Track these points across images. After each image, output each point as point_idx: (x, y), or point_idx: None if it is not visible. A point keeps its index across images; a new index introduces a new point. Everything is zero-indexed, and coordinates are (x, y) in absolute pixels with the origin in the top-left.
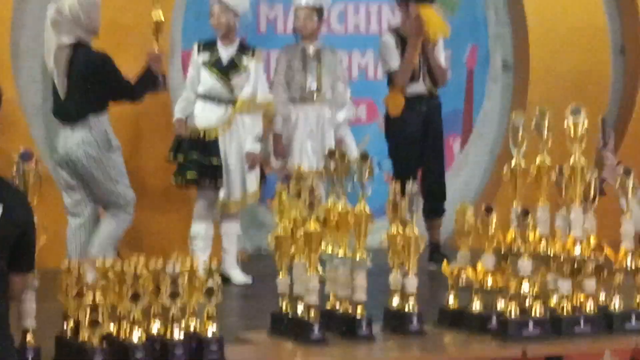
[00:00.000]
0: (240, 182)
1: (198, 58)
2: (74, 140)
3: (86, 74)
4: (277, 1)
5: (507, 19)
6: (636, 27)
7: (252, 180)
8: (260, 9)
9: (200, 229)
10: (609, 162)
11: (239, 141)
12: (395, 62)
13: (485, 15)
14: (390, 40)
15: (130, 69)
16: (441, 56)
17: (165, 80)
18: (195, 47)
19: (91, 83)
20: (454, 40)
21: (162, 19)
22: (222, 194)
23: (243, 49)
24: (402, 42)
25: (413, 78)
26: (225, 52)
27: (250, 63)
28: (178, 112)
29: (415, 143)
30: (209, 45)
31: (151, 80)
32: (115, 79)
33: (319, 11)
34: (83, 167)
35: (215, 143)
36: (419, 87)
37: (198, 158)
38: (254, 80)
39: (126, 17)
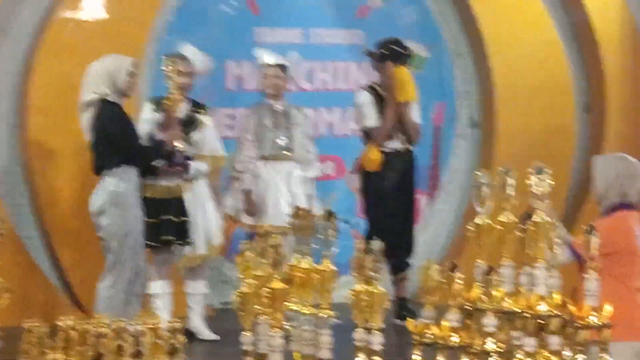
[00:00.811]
0: (204, 236)
1: (153, 116)
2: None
3: (99, 131)
4: (244, 58)
5: (473, 76)
6: (601, 85)
7: (217, 234)
8: (227, 66)
9: (159, 288)
10: None
11: (199, 195)
12: (371, 119)
13: (452, 73)
14: (366, 97)
15: None
16: (416, 113)
17: (181, 157)
18: (148, 106)
19: (102, 140)
20: (421, 97)
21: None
22: (187, 249)
23: (197, 105)
24: (379, 98)
25: (389, 135)
26: (182, 109)
27: (206, 119)
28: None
29: (392, 198)
30: (159, 103)
31: (163, 151)
32: (123, 142)
33: (286, 69)
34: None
35: (181, 200)
36: (395, 143)
37: (171, 218)
38: (213, 136)
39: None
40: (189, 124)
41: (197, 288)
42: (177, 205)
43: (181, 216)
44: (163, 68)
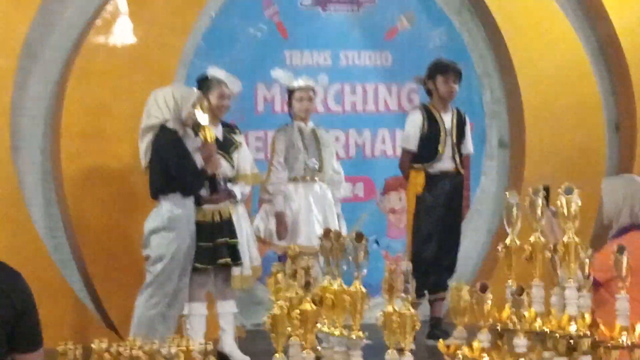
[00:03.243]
0: (249, 258)
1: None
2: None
3: (155, 156)
4: (274, 82)
5: (502, 97)
6: (630, 103)
7: (257, 255)
8: (257, 89)
9: (196, 309)
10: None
11: (240, 216)
12: (413, 143)
13: (481, 93)
14: (417, 118)
15: None
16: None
17: (225, 185)
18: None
19: (157, 165)
20: None
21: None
22: (236, 270)
23: (228, 127)
24: (430, 117)
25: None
26: (217, 132)
27: (241, 139)
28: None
29: (438, 219)
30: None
31: (205, 178)
32: (174, 169)
33: (314, 91)
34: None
35: (231, 222)
36: (445, 164)
37: (227, 240)
38: (248, 154)
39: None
40: (228, 146)
41: (228, 307)
42: (228, 227)
43: (234, 238)
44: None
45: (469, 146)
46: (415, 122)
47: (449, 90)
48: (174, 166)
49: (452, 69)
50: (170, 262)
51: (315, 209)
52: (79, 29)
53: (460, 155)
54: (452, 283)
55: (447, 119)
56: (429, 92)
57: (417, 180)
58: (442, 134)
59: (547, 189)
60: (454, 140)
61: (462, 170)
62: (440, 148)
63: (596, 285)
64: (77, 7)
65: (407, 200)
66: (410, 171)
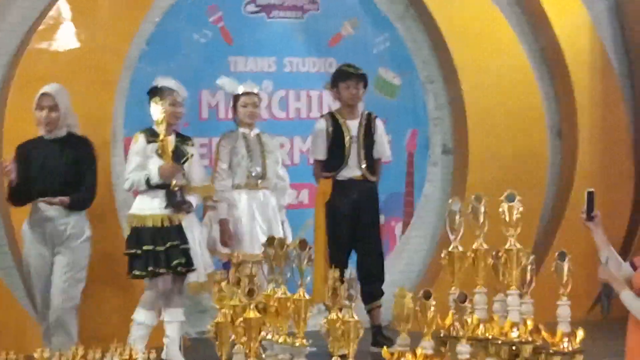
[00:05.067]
0: (203, 264)
1: (147, 148)
2: None
3: None
4: (218, 88)
5: (446, 103)
6: (572, 109)
7: (211, 262)
8: (202, 95)
9: (146, 317)
10: (597, 234)
11: (190, 224)
12: (321, 152)
13: (424, 99)
14: (321, 127)
15: None
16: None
17: (181, 197)
18: (143, 137)
19: None
20: (394, 124)
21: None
22: (192, 276)
23: (181, 137)
24: (335, 125)
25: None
26: (170, 141)
27: (192, 150)
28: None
29: (347, 226)
30: (153, 135)
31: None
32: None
33: (259, 97)
34: None
35: (181, 227)
36: (352, 172)
37: (177, 244)
38: (200, 166)
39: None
40: (181, 157)
41: (176, 315)
42: (178, 232)
43: (185, 243)
44: (155, 106)
45: (381, 151)
46: (320, 131)
47: (350, 96)
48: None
49: (353, 75)
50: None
51: (259, 217)
52: (22, 34)
53: (370, 161)
54: (396, 289)
55: (354, 125)
56: (337, 99)
57: (325, 188)
58: (347, 140)
59: (591, 194)
60: (361, 147)
61: (370, 177)
62: (345, 155)
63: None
64: (19, 12)
65: (315, 210)
66: (319, 179)
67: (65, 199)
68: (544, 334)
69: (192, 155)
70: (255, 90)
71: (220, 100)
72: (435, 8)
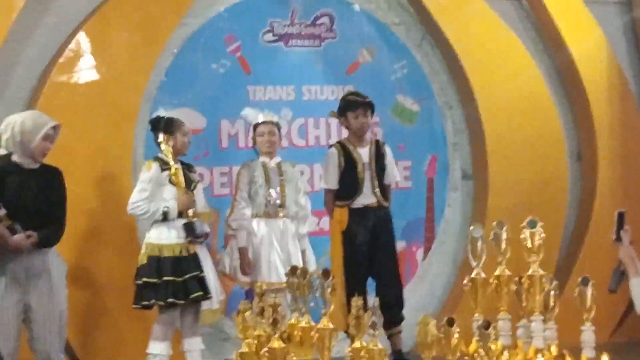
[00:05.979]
0: (215, 292)
1: (161, 176)
2: None
3: None
4: (238, 117)
5: (464, 128)
6: (591, 133)
7: (221, 289)
8: (221, 125)
9: (162, 349)
10: (626, 255)
11: (202, 251)
12: (332, 182)
13: (443, 125)
14: (333, 156)
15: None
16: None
17: (200, 227)
18: (157, 165)
19: None
20: (413, 150)
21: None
22: (206, 303)
23: (188, 166)
24: (346, 153)
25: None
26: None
27: (196, 177)
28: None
29: (365, 253)
30: (165, 164)
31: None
32: None
33: (279, 126)
34: None
35: (196, 256)
36: (367, 199)
37: (196, 274)
38: (202, 193)
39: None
40: (190, 185)
41: (196, 345)
42: (195, 262)
43: (202, 272)
44: (167, 137)
45: (391, 176)
46: (331, 160)
47: (360, 126)
48: None
49: (360, 103)
50: None
51: (277, 245)
52: (42, 67)
53: (382, 187)
54: (419, 315)
55: (364, 153)
56: (346, 128)
57: (341, 216)
58: (360, 168)
59: (621, 215)
60: (374, 174)
61: (384, 203)
62: (359, 183)
63: None
64: (39, 46)
65: (331, 239)
66: (334, 208)
67: (34, 237)
68: (569, 359)
69: (198, 182)
70: (275, 119)
71: (240, 129)
72: (452, 34)
